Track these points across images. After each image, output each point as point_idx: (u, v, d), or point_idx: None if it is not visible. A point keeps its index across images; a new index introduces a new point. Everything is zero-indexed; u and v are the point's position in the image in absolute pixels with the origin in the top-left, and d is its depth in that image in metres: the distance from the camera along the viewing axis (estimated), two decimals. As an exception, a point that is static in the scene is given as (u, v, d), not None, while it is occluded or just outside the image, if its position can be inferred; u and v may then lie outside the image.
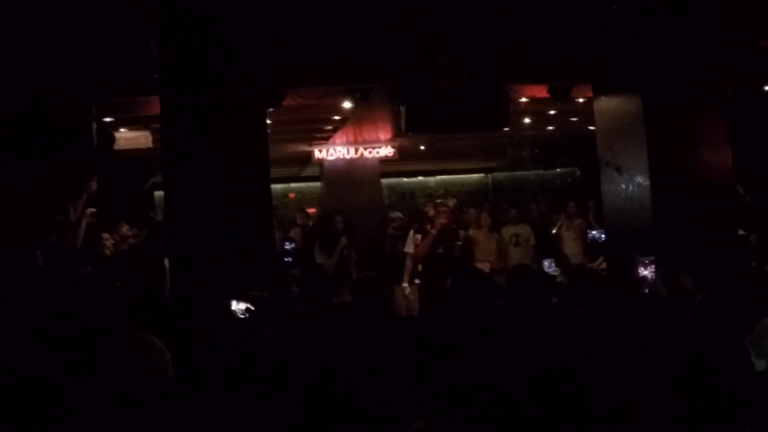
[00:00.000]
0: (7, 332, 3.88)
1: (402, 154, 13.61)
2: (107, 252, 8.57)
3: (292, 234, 11.03)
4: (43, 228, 7.30)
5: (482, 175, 19.34)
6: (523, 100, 9.35)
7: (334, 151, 13.04)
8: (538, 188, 18.02)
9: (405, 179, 18.36)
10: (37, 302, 4.28)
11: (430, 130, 10.37)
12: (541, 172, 18.40)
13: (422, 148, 14.39)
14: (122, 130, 9.62)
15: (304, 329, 4.95)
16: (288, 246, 9.65)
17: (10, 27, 6.61)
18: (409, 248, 9.78)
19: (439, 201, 10.62)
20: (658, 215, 8.01)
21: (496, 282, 5.82)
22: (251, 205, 7.21)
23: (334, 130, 12.13)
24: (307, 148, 13.09)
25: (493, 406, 2.72)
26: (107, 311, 3.85)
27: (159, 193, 13.92)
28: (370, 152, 13.09)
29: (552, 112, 10.93)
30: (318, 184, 14.86)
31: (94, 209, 7.92)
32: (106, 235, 8.56)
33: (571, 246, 10.85)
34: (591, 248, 10.39)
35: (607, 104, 8.77)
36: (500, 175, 19.12)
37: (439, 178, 18.73)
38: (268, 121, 8.03)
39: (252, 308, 4.27)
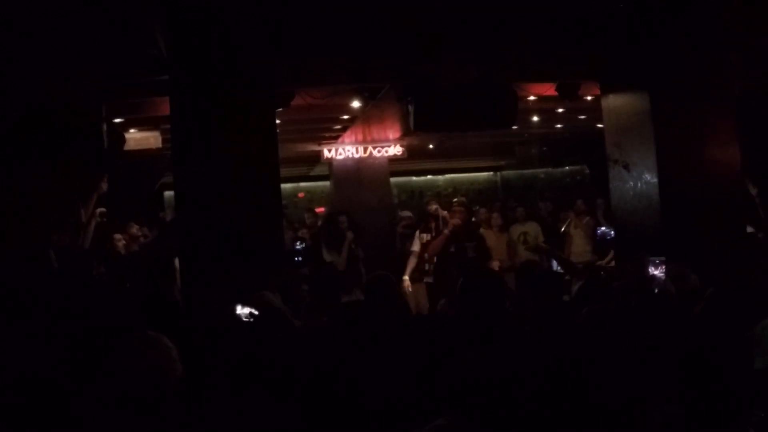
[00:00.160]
0: (20, 332, 3.91)
1: (411, 153, 13.59)
2: (121, 252, 8.58)
3: (300, 233, 11.04)
4: (54, 229, 7.33)
5: (491, 173, 19.29)
6: (531, 98, 9.36)
7: (343, 151, 13.04)
8: (547, 186, 17.97)
9: (414, 178, 18.31)
10: (51, 303, 4.30)
11: (439, 129, 10.35)
12: (550, 170, 18.35)
13: (431, 146, 14.37)
14: (132, 131, 9.65)
15: (309, 328, 4.97)
16: (298, 245, 9.67)
17: (20, 30, 6.65)
18: (415, 247, 9.78)
19: (455, 200, 10.55)
20: (666, 212, 8.03)
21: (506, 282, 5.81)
22: (261, 205, 7.22)
23: (343, 130, 12.15)
24: (316, 148, 13.08)
25: (505, 404, 2.72)
26: (118, 312, 3.87)
27: (169, 194, 13.97)
28: (378, 151, 13.08)
29: (560, 110, 10.93)
30: (327, 183, 14.88)
31: (103, 209, 7.95)
32: (118, 236, 8.57)
33: (580, 244, 10.84)
34: (600, 245, 10.41)
35: (614, 102, 8.77)
36: (509, 173, 19.06)
37: (448, 176, 18.69)
38: (278, 121, 8.03)
39: (255, 312, 4.28)
